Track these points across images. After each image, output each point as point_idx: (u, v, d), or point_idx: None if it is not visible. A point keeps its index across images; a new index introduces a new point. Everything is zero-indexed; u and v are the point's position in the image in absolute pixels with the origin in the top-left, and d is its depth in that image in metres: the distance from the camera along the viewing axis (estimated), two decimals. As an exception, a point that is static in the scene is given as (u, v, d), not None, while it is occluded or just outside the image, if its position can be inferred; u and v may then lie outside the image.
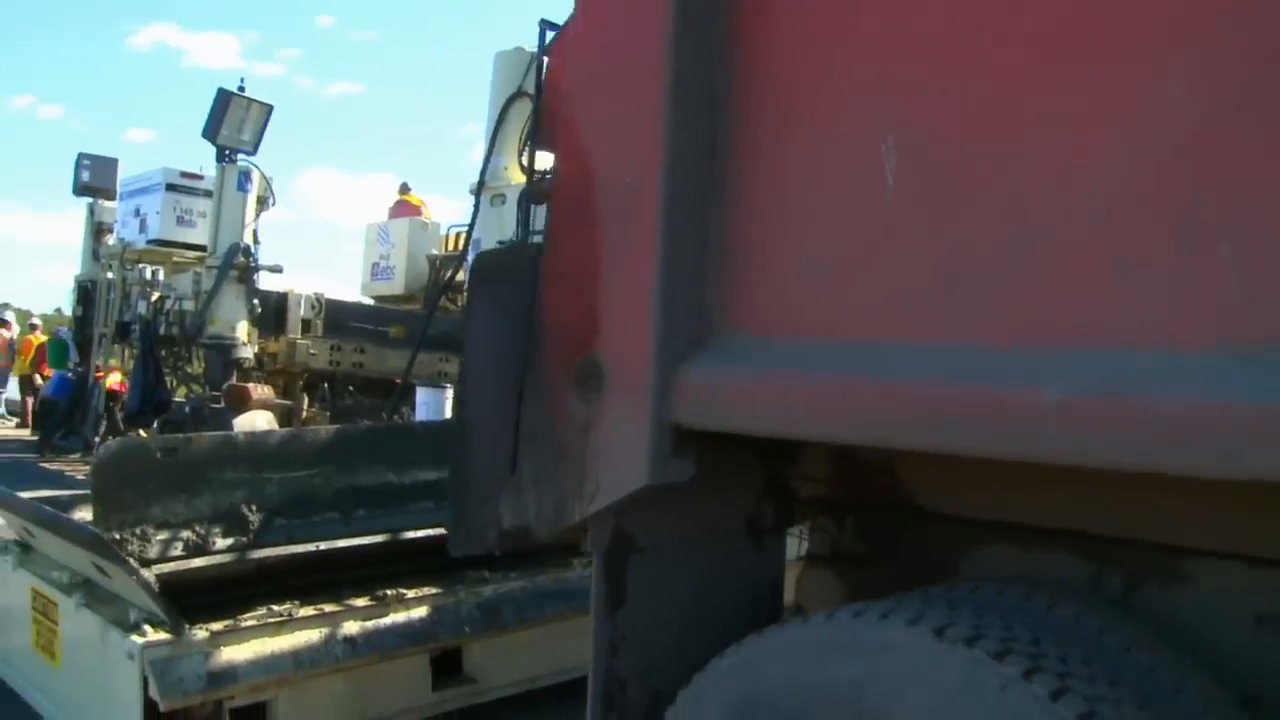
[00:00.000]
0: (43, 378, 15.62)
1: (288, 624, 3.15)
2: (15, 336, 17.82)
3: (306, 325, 11.53)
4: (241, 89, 10.90)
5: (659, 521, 1.87)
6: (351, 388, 11.75)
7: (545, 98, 2.04)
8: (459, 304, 8.24)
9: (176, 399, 11.32)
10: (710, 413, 1.62)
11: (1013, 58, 1.34)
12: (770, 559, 2.12)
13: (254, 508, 3.60)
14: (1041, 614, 1.57)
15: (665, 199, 1.65)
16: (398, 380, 10.58)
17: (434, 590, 3.56)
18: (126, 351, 12.36)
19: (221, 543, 3.49)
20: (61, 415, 13.01)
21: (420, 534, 3.82)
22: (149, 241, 12.55)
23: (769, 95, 1.63)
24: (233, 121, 10.80)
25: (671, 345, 1.64)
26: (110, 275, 12.59)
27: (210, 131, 10.78)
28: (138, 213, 12.80)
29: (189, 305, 10.99)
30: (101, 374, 12.45)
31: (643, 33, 1.71)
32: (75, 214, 14.20)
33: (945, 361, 1.35)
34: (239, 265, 10.65)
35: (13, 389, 17.53)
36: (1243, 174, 1.13)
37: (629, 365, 1.71)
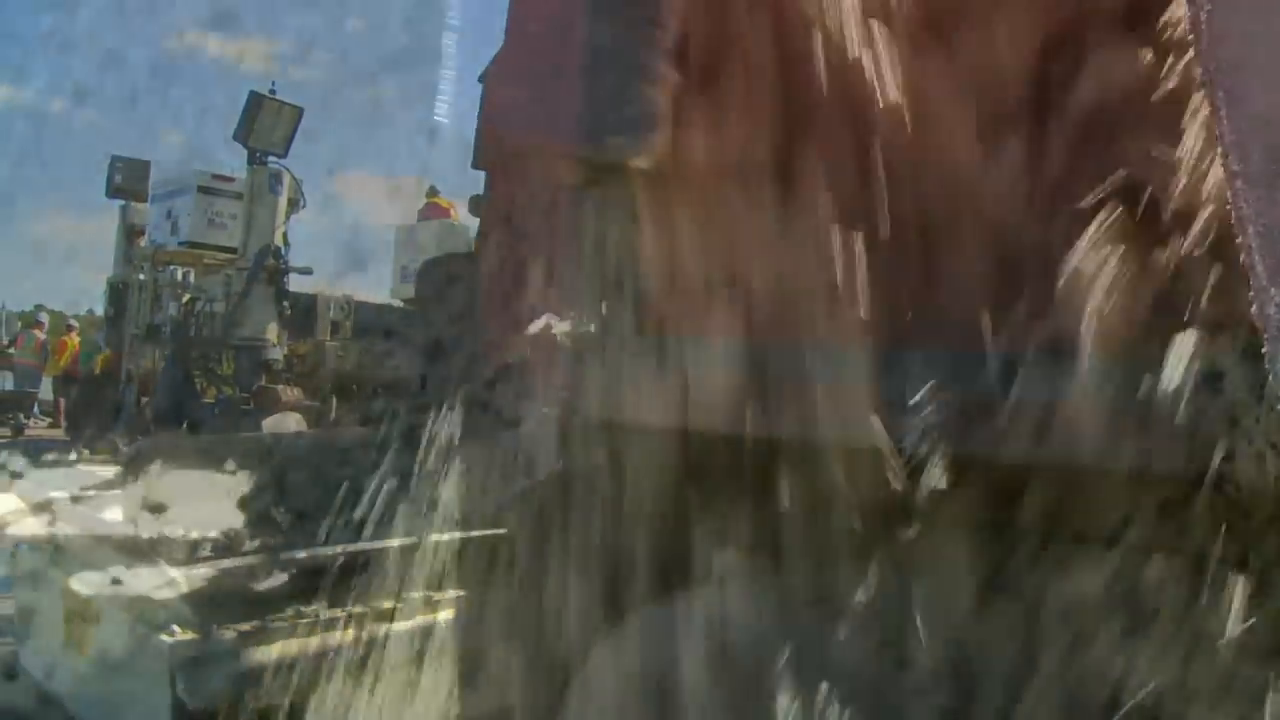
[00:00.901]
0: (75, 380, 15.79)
1: (315, 625, 3.15)
2: (47, 338, 18.02)
3: (335, 327, 11.60)
4: (273, 92, 10.99)
5: (584, 501, 2.03)
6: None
7: (479, 120, 2.25)
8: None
9: (206, 400, 11.42)
10: (613, 406, 1.78)
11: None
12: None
13: (282, 509, 3.60)
14: None
15: (577, 216, 1.85)
16: (425, 383, 10.61)
17: (462, 593, 3.54)
18: (157, 352, 12.47)
19: (250, 544, 3.50)
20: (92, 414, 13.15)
21: (449, 536, 3.81)
22: (180, 243, 12.65)
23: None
24: (264, 124, 10.89)
25: (580, 344, 1.84)
26: (142, 277, 12.73)
27: (242, 134, 10.88)
28: (169, 215, 12.88)
29: (219, 307, 11.09)
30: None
31: (562, 63, 1.84)
32: (109, 216, 14.33)
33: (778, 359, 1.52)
34: (269, 267, 10.73)
35: (45, 389, 17.72)
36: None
37: (545, 363, 1.91)
